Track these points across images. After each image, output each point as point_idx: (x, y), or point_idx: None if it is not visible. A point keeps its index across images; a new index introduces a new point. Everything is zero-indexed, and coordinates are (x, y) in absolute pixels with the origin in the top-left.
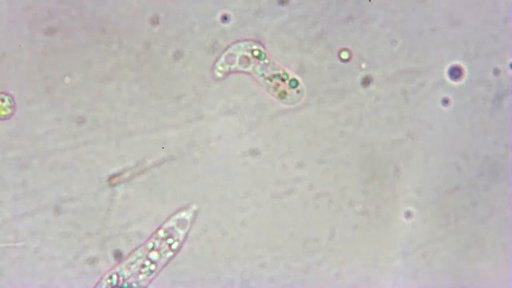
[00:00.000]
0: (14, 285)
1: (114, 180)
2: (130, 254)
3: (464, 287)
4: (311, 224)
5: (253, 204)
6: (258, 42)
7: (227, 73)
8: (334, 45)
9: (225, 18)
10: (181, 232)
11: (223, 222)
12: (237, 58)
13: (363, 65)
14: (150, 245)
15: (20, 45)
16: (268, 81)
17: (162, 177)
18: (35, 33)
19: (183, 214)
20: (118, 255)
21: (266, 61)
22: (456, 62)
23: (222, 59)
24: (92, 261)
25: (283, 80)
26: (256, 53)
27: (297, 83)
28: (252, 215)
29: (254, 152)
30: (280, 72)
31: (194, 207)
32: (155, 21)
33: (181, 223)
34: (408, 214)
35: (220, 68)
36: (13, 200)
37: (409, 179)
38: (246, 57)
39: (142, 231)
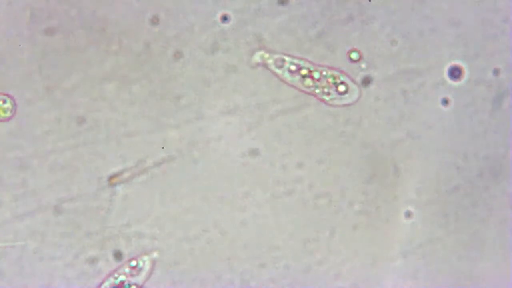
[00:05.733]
0: (14, 285)
1: (114, 180)
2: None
3: (464, 287)
4: (311, 224)
5: (253, 204)
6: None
7: (261, 65)
8: (334, 45)
9: (225, 18)
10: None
11: (223, 222)
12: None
13: (363, 65)
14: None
15: (20, 45)
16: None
17: (162, 177)
18: (35, 33)
19: (141, 263)
20: (118, 255)
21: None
22: (456, 62)
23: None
24: (92, 261)
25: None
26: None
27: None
28: (252, 215)
29: (254, 152)
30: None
31: (155, 254)
32: (155, 21)
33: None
34: (408, 214)
35: (266, 56)
36: (13, 200)
37: (409, 179)
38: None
39: (142, 231)
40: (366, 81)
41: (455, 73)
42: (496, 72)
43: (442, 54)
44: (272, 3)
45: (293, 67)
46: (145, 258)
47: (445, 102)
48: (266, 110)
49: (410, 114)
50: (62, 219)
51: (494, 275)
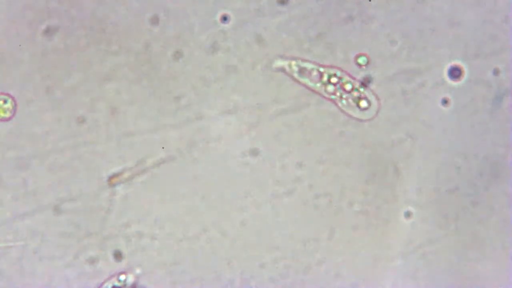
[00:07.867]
0: (14, 285)
1: (114, 180)
2: None
3: (464, 287)
4: (311, 224)
5: (253, 204)
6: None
7: (280, 69)
8: (334, 45)
9: (225, 18)
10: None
11: (223, 222)
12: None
13: (363, 65)
14: None
15: (20, 45)
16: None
17: (162, 177)
18: (35, 33)
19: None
20: (118, 255)
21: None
22: (456, 62)
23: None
24: (92, 261)
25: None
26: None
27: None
28: (252, 215)
29: (254, 152)
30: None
31: (138, 271)
32: (155, 21)
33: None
34: (408, 214)
35: (293, 66)
36: (13, 200)
37: (409, 179)
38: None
39: (142, 231)
40: (366, 81)
41: (455, 73)
42: (496, 72)
43: (442, 54)
44: (272, 3)
45: (325, 77)
46: (129, 276)
47: (445, 102)
48: (266, 110)
49: (410, 114)
50: (62, 219)
51: (494, 275)
